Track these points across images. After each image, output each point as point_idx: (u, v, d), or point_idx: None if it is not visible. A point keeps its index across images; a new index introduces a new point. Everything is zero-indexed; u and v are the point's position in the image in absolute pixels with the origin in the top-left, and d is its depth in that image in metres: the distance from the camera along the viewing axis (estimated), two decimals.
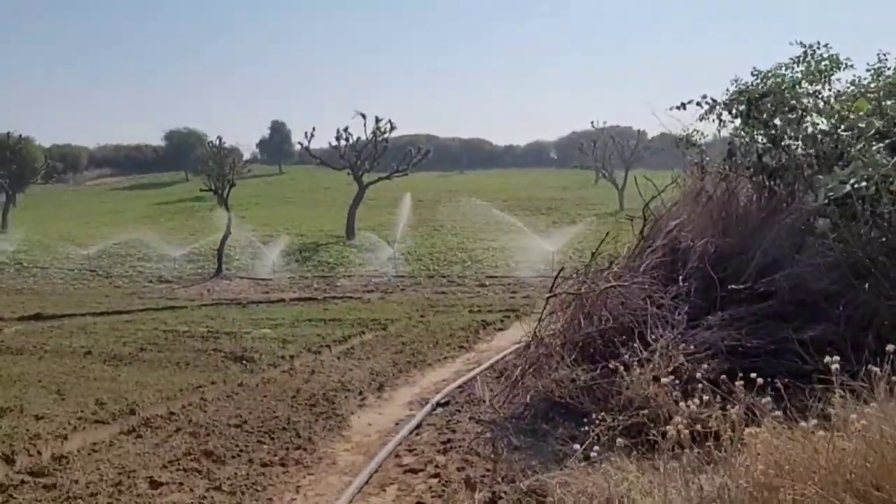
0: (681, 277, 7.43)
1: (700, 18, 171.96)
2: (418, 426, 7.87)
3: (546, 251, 25.84)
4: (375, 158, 39.85)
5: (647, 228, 8.46)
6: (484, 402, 8.06)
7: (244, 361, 11.38)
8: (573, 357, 7.00)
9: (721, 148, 9.36)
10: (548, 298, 7.91)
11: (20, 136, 55.67)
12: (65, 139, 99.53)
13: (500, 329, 13.86)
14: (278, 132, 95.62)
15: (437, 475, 6.19)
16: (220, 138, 37.78)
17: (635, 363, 6.23)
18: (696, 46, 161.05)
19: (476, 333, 13.36)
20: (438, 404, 8.55)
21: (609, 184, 51.25)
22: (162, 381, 10.15)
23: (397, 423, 8.10)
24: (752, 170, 8.42)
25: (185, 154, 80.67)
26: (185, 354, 12.04)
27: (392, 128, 39.62)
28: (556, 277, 8.10)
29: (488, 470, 6.12)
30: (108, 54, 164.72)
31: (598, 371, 6.57)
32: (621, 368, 6.15)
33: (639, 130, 55.17)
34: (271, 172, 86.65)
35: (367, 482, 6.25)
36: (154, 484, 6.36)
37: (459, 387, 9.35)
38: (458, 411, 8.22)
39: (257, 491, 6.17)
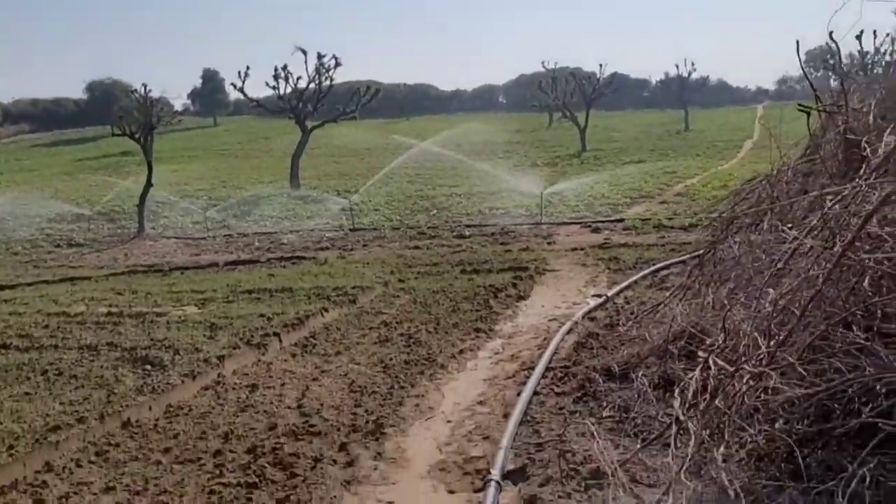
0: None
1: None
2: None
3: (524, 194, 22.14)
4: (319, 100, 35.29)
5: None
6: (607, 474, 4.00)
7: (147, 366, 7.50)
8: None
9: None
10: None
11: None
12: None
13: (521, 297, 9.91)
14: (211, 81, 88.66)
15: None
16: (145, 86, 33.18)
17: None
18: None
19: (487, 306, 9.40)
20: (505, 476, 4.47)
21: (564, 125, 48.07)
22: (4, 411, 6.22)
23: None
24: None
25: (109, 107, 73.75)
26: (63, 354, 8.21)
27: (337, 64, 34.96)
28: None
29: None
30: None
31: None
32: None
33: (600, 65, 52.22)
34: (205, 125, 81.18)
35: None
36: None
37: (525, 420, 5.31)
38: None
39: None
